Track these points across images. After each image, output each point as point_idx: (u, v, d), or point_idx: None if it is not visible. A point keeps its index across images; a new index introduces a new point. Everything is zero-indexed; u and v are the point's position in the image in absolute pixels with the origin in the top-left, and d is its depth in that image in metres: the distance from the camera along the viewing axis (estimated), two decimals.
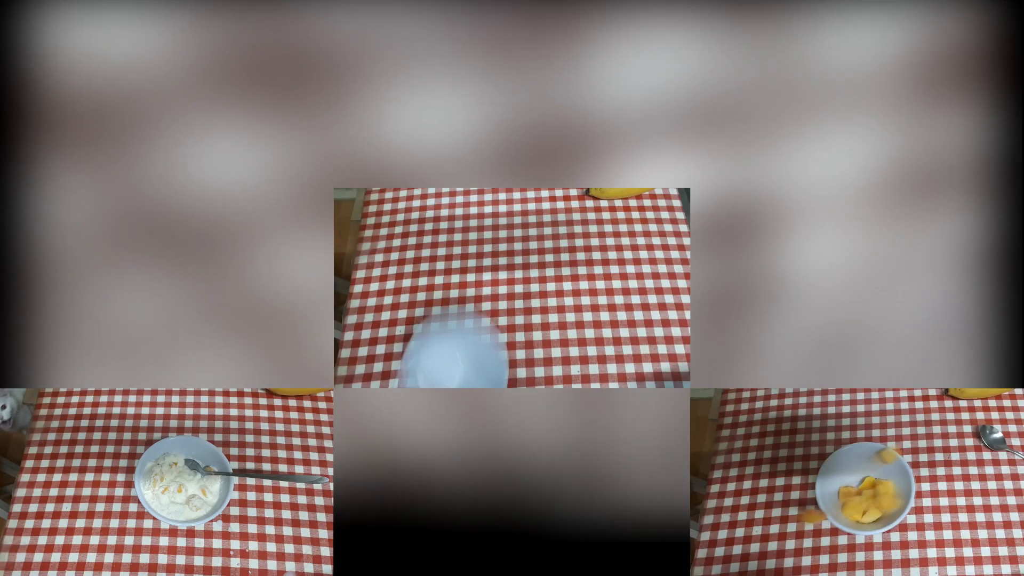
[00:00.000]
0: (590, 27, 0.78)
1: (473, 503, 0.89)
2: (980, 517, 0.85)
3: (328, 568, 0.84)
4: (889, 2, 0.79)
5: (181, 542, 0.83)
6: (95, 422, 0.94)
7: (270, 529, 0.85)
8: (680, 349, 0.88)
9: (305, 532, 0.86)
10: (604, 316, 0.91)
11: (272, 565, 0.83)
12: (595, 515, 0.90)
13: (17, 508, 0.85)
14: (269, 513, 0.87)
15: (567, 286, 0.94)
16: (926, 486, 0.88)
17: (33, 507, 0.85)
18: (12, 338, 0.82)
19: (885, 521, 0.85)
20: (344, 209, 1.04)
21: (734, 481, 0.92)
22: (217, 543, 0.84)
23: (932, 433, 0.94)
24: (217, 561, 0.82)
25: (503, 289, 0.94)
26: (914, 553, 0.83)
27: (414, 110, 0.79)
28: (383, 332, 0.89)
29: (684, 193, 1.05)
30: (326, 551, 0.85)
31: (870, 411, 0.97)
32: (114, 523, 0.84)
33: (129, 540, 0.83)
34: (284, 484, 0.89)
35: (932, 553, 0.82)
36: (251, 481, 0.89)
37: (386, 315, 0.91)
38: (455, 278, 0.95)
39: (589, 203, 1.05)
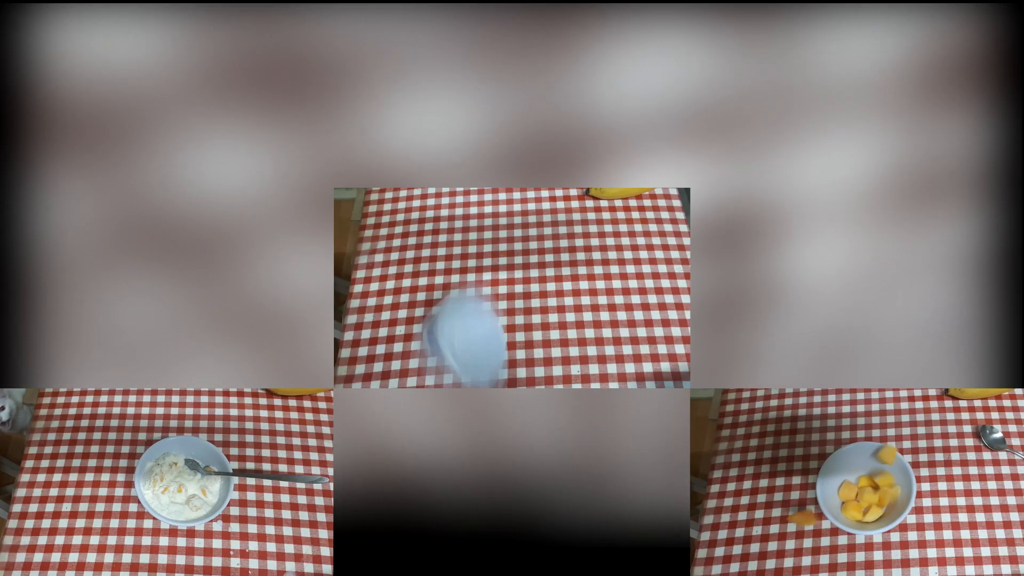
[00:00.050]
0: (590, 33, 0.78)
1: (473, 503, 0.89)
2: (980, 517, 0.85)
3: (328, 568, 0.84)
4: (889, 8, 0.79)
5: (181, 542, 0.83)
6: (95, 422, 0.94)
7: (270, 529, 0.85)
8: (680, 349, 0.88)
9: (305, 532, 0.86)
10: (604, 316, 0.91)
11: (272, 565, 0.83)
12: (595, 515, 0.90)
13: (17, 508, 0.85)
14: (269, 513, 0.87)
15: (567, 286, 0.94)
16: (926, 486, 0.88)
17: (33, 507, 0.85)
18: (13, 343, 0.82)
19: (888, 519, 0.85)
20: (344, 209, 1.04)
21: (734, 481, 0.92)
22: (217, 543, 0.84)
23: (932, 433, 0.94)
24: (217, 561, 0.82)
25: (503, 289, 0.94)
26: (914, 553, 0.83)
27: (414, 115, 0.79)
28: (383, 332, 0.89)
29: (684, 193, 1.05)
30: (326, 551, 0.85)
31: (870, 411, 0.97)
32: (114, 523, 0.84)
33: (129, 540, 0.83)
34: (284, 484, 0.89)
35: (932, 553, 0.82)
36: (251, 481, 0.89)
37: (386, 315, 0.91)
38: (455, 278, 0.95)
39: (589, 203, 1.05)
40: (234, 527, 0.85)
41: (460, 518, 0.89)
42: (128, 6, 0.76)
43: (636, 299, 0.93)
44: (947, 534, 0.84)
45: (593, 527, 0.90)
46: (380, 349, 0.88)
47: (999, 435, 0.93)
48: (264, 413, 0.96)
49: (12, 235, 0.79)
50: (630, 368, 0.86)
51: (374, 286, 0.95)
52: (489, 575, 0.89)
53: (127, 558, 0.81)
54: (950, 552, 0.82)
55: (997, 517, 0.85)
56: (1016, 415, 0.95)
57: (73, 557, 0.81)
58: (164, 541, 0.83)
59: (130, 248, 0.80)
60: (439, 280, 0.95)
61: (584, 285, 0.94)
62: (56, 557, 0.81)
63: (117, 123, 0.77)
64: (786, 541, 0.86)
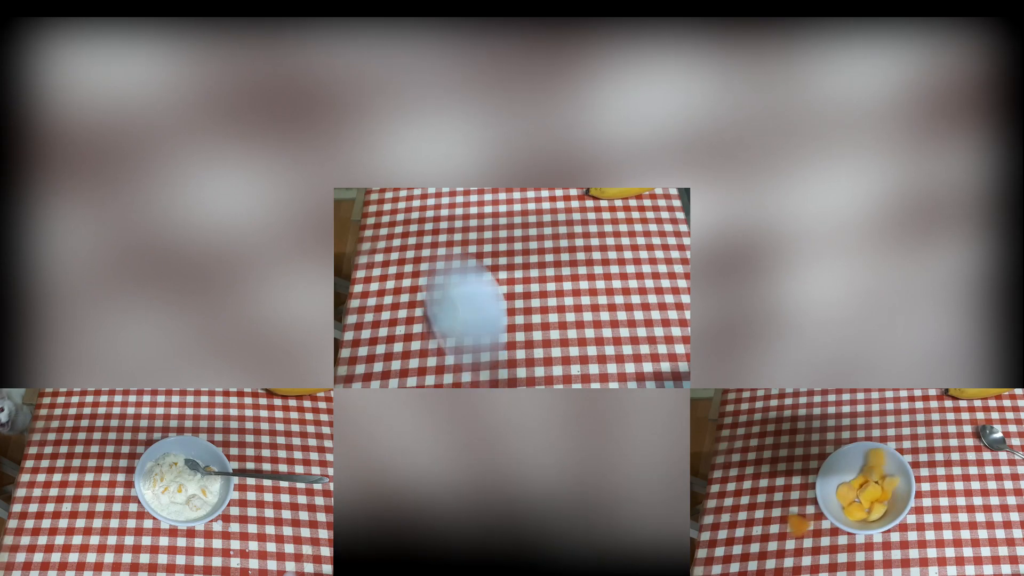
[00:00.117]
0: (591, 59, 0.78)
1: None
2: (980, 517, 0.85)
3: (328, 568, 0.84)
4: (889, 36, 0.79)
5: (181, 542, 0.83)
6: (95, 422, 0.94)
7: (270, 529, 0.85)
8: (680, 349, 0.88)
9: (305, 532, 0.86)
10: (604, 316, 0.91)
11: (272, 565, 0.83)
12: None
13: (17, 508, 0.85)
14: (269, 513, 0.87)
15: (567, 286, 0.94)
16: (926, 486, 0.88)
17: (33, 507, 0.85)
18: (15, 369, 0.83)
19: (888, 518, 0.85)
20: (344, 209, 1.04)
21: (734, 481, 0.92)
22: (217, 543, 0.84)
23: (932, 433, 0.94)
24: (217, 561, 0.82)
25: (503, 289, 0.94)
26: (914, 553, 0.83)
27: (414, 141, 0.79)
28: (383, 332, 0.89)
29: (684, 193, 1.05)
30: (326, 551, 0.85)
31: (870, 411, 0.97)
32: (114, 523, 0.84)
33: (129, 540, 0.83)
34: (284, 484, 0.89)
35: (932, 553, 0.82)
36: (251, 481, 0.89)
37: (386, 315, 0.91)
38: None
39: (589, 203, 1.05)
40: (234, 527, 0.85)
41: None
42: (129, 36, 0.76)
43: (636, 299, 0.93)
44: (947, 534, 0.84)
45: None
46: (380, 349, 0.88)
47: (999, 435, 0.93)
48: (264, 413, 0.96)
49: (13, 262, 0.79)
50: (630, 368, 0.86)
51: (374, 286, 0.95)
52: (488, 570, 0.89)
53: (127, 558, 0.81)
54: (950, 552, 0.82)
55: (997, 517, 0.85)
56: (1016, 415, 0.95)
57: (73, 557, 0.81)
58: (164, 541, 0.83)
59: (131, 275, 0.80)
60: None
61: (584, 285, 0.94)
62: (56, 557, 0.81)
63: (118, 150, 0.78)
64: (786, 541, 0.86)
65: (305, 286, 0.82)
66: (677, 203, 1.05)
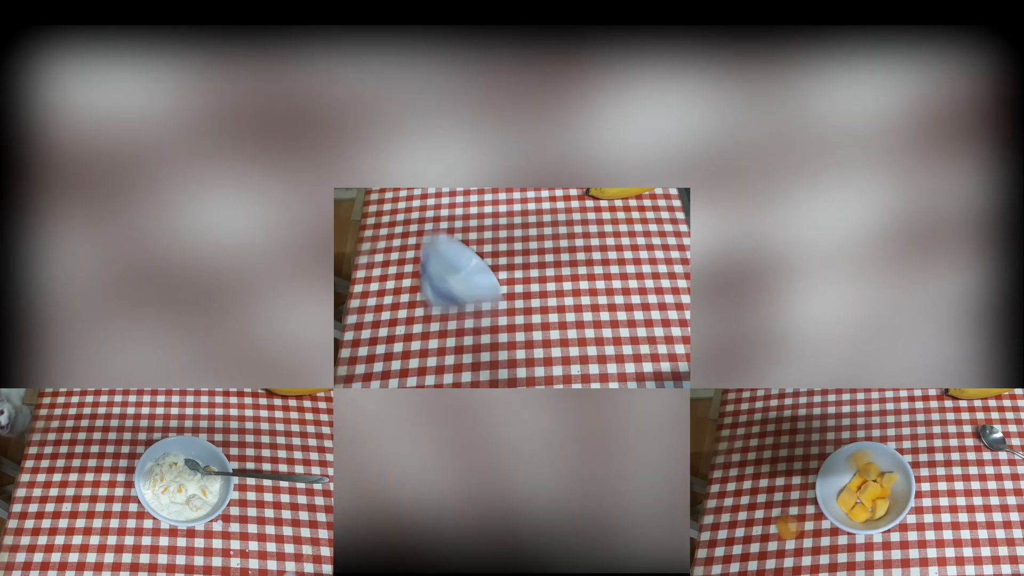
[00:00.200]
0: (591, 83, 0.78)
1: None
2: (980, 517, 0.85)
3: (328, 568, 0.84)
4: (889, 58, 0.79)
5: (181, 542, 0.83)
6: (95, 422, 0.94)
7: (270, 529, 0.85)
8: (680, 349, 0.88)
9: (305, 532, 0.86)
10: (604, 316, 0.91)
11: (272, 565, 0.83)
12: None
13: (17, 508, 0.85)
14: (269, 513, 0.87)
15: (567, 286, 0.94)
16: (926, 486, 0.88)
17: (33, 507, 0.85)
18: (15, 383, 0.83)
19: (888, 518, 0.85)
20: (344, 209, 1.04)
21: (734, 481, 0.92)
22: (217, 543, 0.84)
23: (932, 433, 0.94)
24: (217, 561, 0.82)
25: (503, 289, 0.94)
26: (914, 553, 0.83)
27: (413, 163, 0.80)
28: (383, 332, 0.89)
29: (684, 193, 1.05)
30: (326, 551, 0.85)
31: (870, 411, 0.97)
32: (114, 523, 0.84)
33: (129, 540, 0.83)
34: (284, 484, 0.89)
35: (932, 553, 0.82)
36: (251, 481, 0.89)
37: (386, 315, 0.91)
38: None
39: (589, 203, 1.05)
40: (234, 527, 0.85)
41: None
42: (128, 58, 0.76)
43: (636, 299, 0.93)
44: (947, 534, 0.84)
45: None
46: (380, 349, 0.88)
47: (999, 435, 0.93)
48: (264, 413, 0.96)
49: (13, 283, 0.79)
50: (630, 368, 0.86)
51: (374, 286, 0.95)
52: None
53: (127, 558, 0.81)
54: (950, 552, 0.82)
55: (997, 517, 0.85)
56: (1016, 415, 0.95)
57: (73, 557, 0.81)
58: (164, 541, 0.83)
59: (131, 297, 0.81)
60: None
61: (584, 285, 0.94)
62: (56, 557, 0.81)
63: (118, 173, 0.78)
64: (786, 541, 0.86)
65: (304, 305, 0.83)
66: (677, 203, 1.05)
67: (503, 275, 0.95)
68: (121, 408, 0.95)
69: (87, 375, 0.83)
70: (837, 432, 0.95)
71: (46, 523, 0.83)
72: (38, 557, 0.81)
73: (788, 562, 0.84)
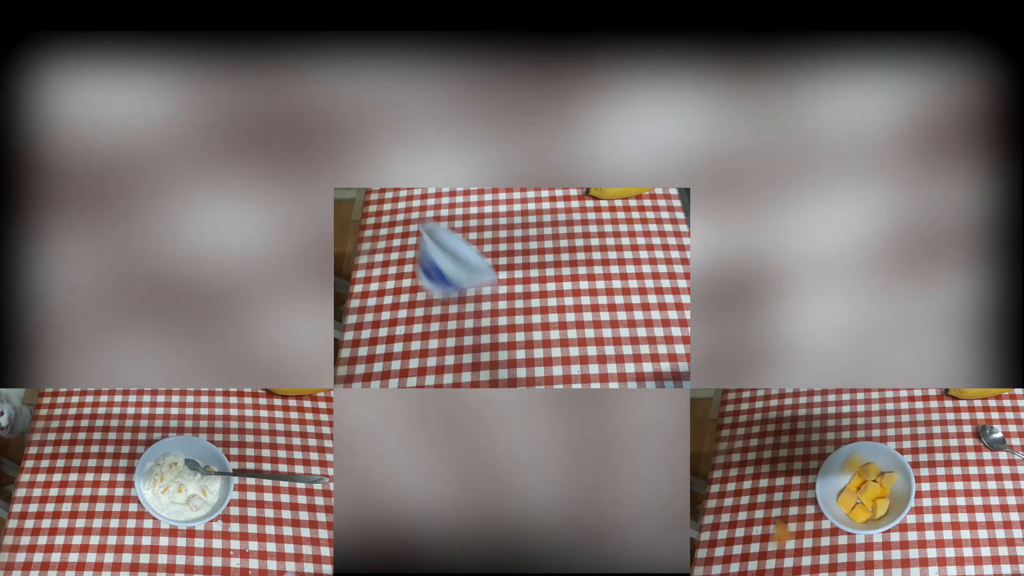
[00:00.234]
0: (589, 92, 0.79)
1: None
2: (980, 517, 0.85)
3: (328, 568, 0.84)
4: (888, 67, 0.79)
5: (181, 542, 0.83)
6: (95, 422, 0.94)
7: (270, 529, 0.85)
8: (680, 349, 0.88)
9: (305, 532, 0.86)
10: (604, 316, 0.91)
11: (272, 565, 0.83)
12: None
13: (17, 508, 0.85)
14: (269, 513, 0.87)
15: (567, 286, 0.94)
16: (926, 486, 0.88)
17: (33, 507, 0.85)
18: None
19: (888, 518, 0.85)
20: (344, 209, 1.04)
21: (734, 481, 0.92)
22: (217, 543, 0.84)
23: (932, 433, 0.94)
24: (217, 561, 0.82)
25: (503, 289, 0.94)
26: (914, 553, 0.83)
27: (414, 173, 0.80)
28: (383, 332, 0.89)
29: (684, 193, 1.05)
30: (326, 551, 0.85)
31: (870, 411, 0.97)
32: (114, 523, 0.84)
33: (129, 540, 0.83)
34: (284, 484, 0.89)
35: (932, 553, 0.82)
36: (251, 481, 0.89)
37: (386, 315, 0.91)
38: None
39: (589, 203, 1.05)
40: (234, 527, 0.85)
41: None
42: (128, 68, 0.76)
43: (636, 299, 0.93)
44: (947, 534, 0.84)
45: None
46: (380, 349, 0.88)
47: (999, 435, 0.93)
48: (264, 413, 0.96)
49: (12, 292, 0.79)
50: (630, 368, 0.86)
51: (374, 286, 0.95)
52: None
53: (127, 558, 0.81)
54: (950, 552, 0.82)
55: (997, 517, 0.85)
56: (1016, 415, 0.95)
57: (73, 557, 0.81)
58: (164, 541, 0.83)
59: (133, 299, 0.81)
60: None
61: (584, 285, 0.94)
62: (56, 557, 0.81)
63: (117, 182, 0.78)
64: (786, 541, 0.86)
65: (305, 314, 0.83)
66: (677, 203, 1.05)
67: (503, 275, 0.95)
68: (121, 408, 0.95)
69: (87, 376, 0.83)
70: (837, 432, 0.95)
71: (46, 523, 0.83)
72: (38, 557, 0.81)
73: (788, 562, 0.84)
